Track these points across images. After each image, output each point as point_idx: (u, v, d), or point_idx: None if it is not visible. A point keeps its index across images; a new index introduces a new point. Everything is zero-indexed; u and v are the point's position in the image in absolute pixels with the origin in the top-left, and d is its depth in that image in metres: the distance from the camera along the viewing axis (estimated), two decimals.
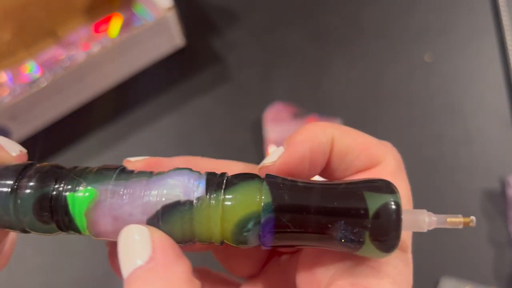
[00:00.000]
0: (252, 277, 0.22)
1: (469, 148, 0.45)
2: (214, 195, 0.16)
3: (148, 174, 0.17)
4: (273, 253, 0.22)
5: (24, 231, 0.17)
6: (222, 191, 0.16)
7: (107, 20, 0.50)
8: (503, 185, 0.43)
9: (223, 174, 0.17)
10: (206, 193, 0.16)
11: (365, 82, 0.49)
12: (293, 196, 0.16)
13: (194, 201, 0.16)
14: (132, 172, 0.17)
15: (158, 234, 0.16)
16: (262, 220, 0.15)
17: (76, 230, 0.16)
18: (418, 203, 0.18)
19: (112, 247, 0.19)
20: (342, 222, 0.15)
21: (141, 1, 0.50)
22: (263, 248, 0.16)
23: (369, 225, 0.15)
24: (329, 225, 0.15)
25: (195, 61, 0.50)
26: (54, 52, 0.49)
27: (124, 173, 0.17)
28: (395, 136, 0.45)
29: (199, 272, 0.23)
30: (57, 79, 0.43)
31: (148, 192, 0.16)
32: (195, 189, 0.16)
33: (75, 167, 0.17)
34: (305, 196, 0.16)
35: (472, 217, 0.16)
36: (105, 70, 0.47)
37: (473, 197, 0.43)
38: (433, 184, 0.43)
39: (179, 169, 0.17)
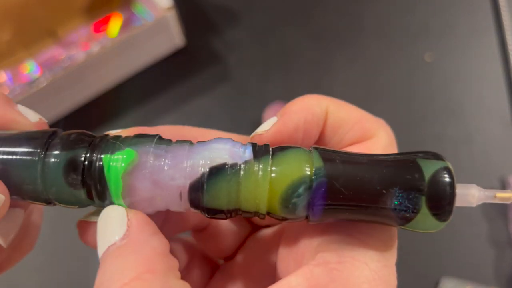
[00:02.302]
0: (229, 258, 0.22)
1: (469, 148, 0.45)
2: (262, 159, 0.15)
3: (189, 142, 0.16)
4: (251, 232, 0.22)
5: (49, 202, 0.16)
6: (270, 156, 0.15)
7: (107, 20, 0.50)
8: (503, 185, 0.43)
9: (267, 144, 0.16)
10: (254, 158, 0.15)
11: (365, 82, 0.49)
12: (345, 161, 0.15)
13: (242, 164, 0.15)
14: (170, 140, 0.16)
15: (134, 212, 0.15)
16: (314, 184, 0.14)
17: (109, 197, 0.15)
18: None
19: (82, 227, 0.19)
20: (397, 188, 0.14)
21: (141, 1, 0.50)
22: (311, 221, 0.15)
23: (426, 189, 0.14)
24: (384, 191, 0.14)
25: (195, 61, 0.50)
26: (53, 52, 0.49)
27: (164, 140, 0.16)
28: (395, 136, 0.45)
29: (184, 244, 0.22)
30: (56, 79, 0.43)
31: (192, 156, 0.15)
32: (241, 154, 0.15)
33: (107, 134, 0.16)
34: (357, 162, 0.15)
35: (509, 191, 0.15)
36: (105, 70, 0.47)
37: None
38: None
39: (222, 138, 0.16)
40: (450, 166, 0.15)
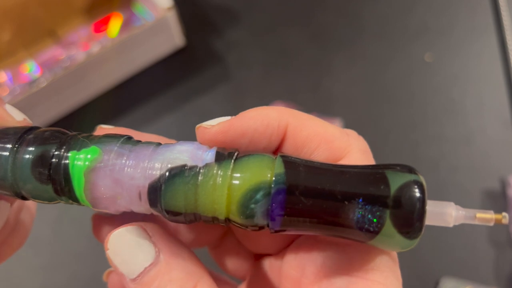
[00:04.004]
0: (243, 278, 0.21)
1: (469, 148, 0.45)
2: (224, 163, 0.15)
3: (156, 144, 0.16)
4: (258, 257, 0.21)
5: (22, 196, 0.16)
6: (232, 160, 0.15)
7: (107, 20, 0.50)
8: (503, 185, 0.43)
9: (235, 150, 0.16)
10: (216, 161, 0.15)
11: (365, 82, 0.49)
12: (308, 169, 0.14)
13: (202, 167, 0.15)
14: (139, 141, 0.16)
15: (151, 227, 0.15)
16: (273, 190, 0.14)
17: (73, 193, 0.15)
18: None
19: (96, 221, 0.19)
20: (360, 200, 0.13)
21: (141, 1, 0.50)
22: (270, 228, 0.15)
23: (391, 203, 0.13)
24: (346, 202, 0.14)
25: (195, 61, 0.50)
26: (53, 52, 0.49)
27: (132, 140, 0.16)
28: (395, 136, 0.45)
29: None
30: (56, 79, 0.43)
31: (154, 156, 0.15)
32: (204, 157, 0.15)
33: (80, 133, 0.16)
34: (321, 171, 0.14)
35: (504, 214, 0.14)
36: (105, 70, 0.47)
37: (473, 197, 0.43)
38: (433, 184, 0.43)
39: (188, 141, 0.16)
40: (422, 180, 0.14)
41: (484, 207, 0.42)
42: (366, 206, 0.13)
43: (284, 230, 0.15)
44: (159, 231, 0.15)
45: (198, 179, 0.14)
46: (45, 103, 0.44)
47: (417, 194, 0.13)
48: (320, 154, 0.16)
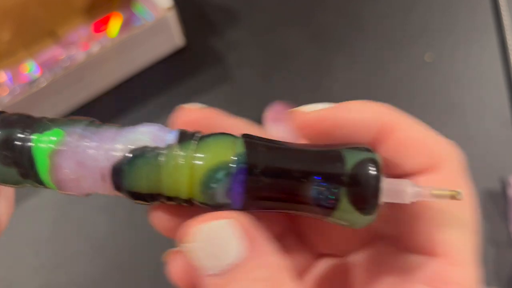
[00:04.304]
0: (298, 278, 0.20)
1: (469, 148, 0.45)
2: (186, 144, 0.15)
3: (120, 126, 0.16)
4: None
5: None
6: (194, 141, 0.15)
7: (107, 20, 0.50)
8: (503, 185, 0.43)
9: (198, 131, 0.16)
10: (177, 142, 0.15)
11: (365, 82, 0.49)
12: (269, 149, 0.15)
13: (164, 148, 0.15)
14: (103, 123, 0.16)
15: (243, 217, 0.14)
16: (234, 170, 0.14)
17: (38, 176, 0.15)
18: None
19: (157, 207, 0.18)
20: (317, 177, 0.14)
21: (141, 0, 0.50)
22: (232, 207, 0.15)
23: (346, 180, 0.14)
24: (304, 180, 0.14)
25: (195, 61, 0.50)
26: (53, 52, 0.49)
27: (96, 123, 0.16)
28: None
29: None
30: (56, 79, 0.43)
31: (117, 138, 0.15)
32: (166, 138, 0.15)
33: (45, 117, 0.16)
34: (281, 150, 0.15)
35: (460, 190, 0.14)
36: (105, 70, 0.47)
37: None
38: None
39: (151, 123, 0.16)
40: (377, 158, 0.14)
41: (484, 207, 0.42)
42: (323, 184, 0.14)
43: (246, 209, 0.15)
44: (252, 225, 0.15)
45: (160, 160, 0.15)
46: (45, 103, 0.44)
47: (372, 171, 0.14)
48: (414, 163, 0.15)
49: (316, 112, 0.15)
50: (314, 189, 0.14)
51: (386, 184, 0.14)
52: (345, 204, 0.14)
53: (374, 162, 0.14)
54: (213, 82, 0.49)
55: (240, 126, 0.17)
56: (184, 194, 0.15)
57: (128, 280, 0.41)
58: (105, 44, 0.44)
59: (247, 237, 0.14)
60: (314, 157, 0.15)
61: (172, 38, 0.49)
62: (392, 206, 0.15)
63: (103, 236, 0.43)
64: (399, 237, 0.16)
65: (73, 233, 0.43)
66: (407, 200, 0.15)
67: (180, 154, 0.15)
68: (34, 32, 0.48)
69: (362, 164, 0.14)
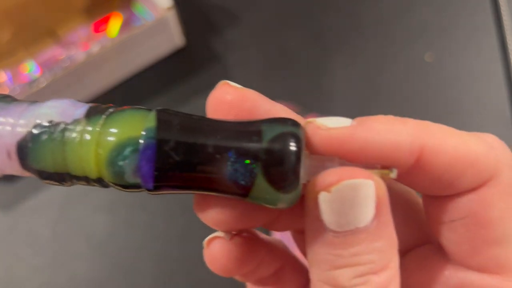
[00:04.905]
0: None
1: None
2: (94, 119, 0.14)
3: (31, 102, 0.15)
4: None
5: None
6: (104, 116, 0.14)
7: (107, 20, 0.50)
8: None
9: (111, 106, 0.14)
10: (85, 117, 0.14)
11: (365, 82, 0.49)
12: (183, 124, 0.14)
13: (70, 124, 0.14)
14: (17, 99, 0.15)
15: (383, 190, 0.13)
16: (141, 146, 0.13)
17: None
18: None
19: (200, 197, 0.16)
20: (232, 153, 0.13)
21: (140, 0, 0.50)
22: (143, 187, 0.14)
23: (262, 155, 0.13)
24: (218, 156, 0.13)
25: (195, 61, 0.50)
26: (53, 52, 0.49)
27: (8, 99, 0.15)
28: None
29: (277, 245, 0.19)
30: (56, 79, 0.43)
31: (25, 113, 0.14)
32: (75, 113, 0.14)
33: None
34: (196, 125, 0.14)
35: (393, 168, 0.14)
36: (105, 70, 0.47)
37: None
38: None
39: (64, 99, 0.15)
40: (298, 132, 0.13)
41: None
42: (239, 159, 0.13)
43: (160, 188, 0.14)
44: (386, 192, 0.13)
45: (65, 135, 0.14)
46: None
47: (289, 146, 0.13)
48: (464, 182, 0.14)
49: (336, 130, 0.14)
50: (229, 166, 0.13)
51: (312, 160, 0.14)
52: (261, 181, 0.13)
53: (294, 136, 0.13)
54: (213, 82, 0.49)
55: (281, 112, 0.15)
56: (92, 174, 0.14)
57: (128, 280, 0.41)
58: (105, 44, 0.44)
59: (379, 203, 0.13)
60: (231, 132, 0.13)
61: (172, 38, 0.49)
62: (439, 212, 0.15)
63: (103, 236, 0.43)
64: (451, 249, 0.16)
65: (73, 233, 0.43)
66: None
67: (86, 129, 0.14)
68: (34, 32, 0.48)
69: (280, 138, 0.13)
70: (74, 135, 0.14)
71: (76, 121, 0.14)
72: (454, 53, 0.50)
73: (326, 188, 0.13)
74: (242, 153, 0.13)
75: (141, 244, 0.42)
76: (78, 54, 0.47)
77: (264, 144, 0.13)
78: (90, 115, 0.14)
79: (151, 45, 0.48)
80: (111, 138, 0.13)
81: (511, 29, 0.50)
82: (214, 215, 0.15)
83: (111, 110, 0.14)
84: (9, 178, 0.45)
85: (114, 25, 0.50)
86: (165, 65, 0.50)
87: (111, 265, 0.41)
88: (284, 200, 0.13)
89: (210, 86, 0.16)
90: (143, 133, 0.13)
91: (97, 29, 0.50)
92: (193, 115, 0.14)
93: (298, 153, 0.13)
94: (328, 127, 0.14)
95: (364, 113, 0.15)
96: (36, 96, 0.42)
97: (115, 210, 0.43)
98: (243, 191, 0.13)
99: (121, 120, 0.14)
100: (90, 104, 0.14)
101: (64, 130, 0.14)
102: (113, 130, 0.13)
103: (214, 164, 0.13)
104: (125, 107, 0.14)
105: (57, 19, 0.49)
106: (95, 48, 0.45)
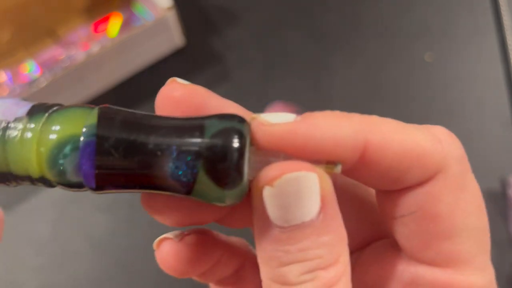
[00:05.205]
0: None
1: (469, 148, 0.45)
2: (36, 117, 0.14)
3: None
4: None
5: None
6: (47, 114, 0.14)
7: (107, 20, 0.50)
8: (503, 185, 0.43)
9: (55, 104, 0.14)
10: (27, 115, 0.14)
11: (365, 82, 0.49)
12: (124, 119, 0.14)
13: (11, 122, 0.14)
14: None
15: (327, 178, 0.13)
16: (81, 143, 0.13)
17: None
18: None
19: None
20: (174, 149, 0.13)
21: (140, 0, 0.50)
22: (86, 186, 0.14)
23: (204, 151, 0.13)
24: (159, 152, 0.13)
25: (195, 61, 0.50)
26: (53, 52, 0.49)
27: None
28: None
29: (239, 244, 0.19)
30: (56, 79, 0.43)
31: None
32: (17, 112, 0.14)
33: None
34: (138, 122, 0.14)
35: (338, 163, 0.13)
36: (105, 70, 0.47)
37: None
38: None
39: (10, 98, 0.15)
40: (241, 128, 0.13)
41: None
42: (180, 156, 0.13)
43: (103, 188, 0.14)
44: (330, 185, 0.13)
45: (6, 134, 0.13)
46: None
47: (231, 142, 0.13)
48: (411, 177, 0.14)
49: (282, 126, 0.13)
50: (170, 163, 0.13)
51: (257, 156, 0.13)
52: (203, 178, 0.13)
53: (237, 132, 0.13)
54: (213, 82, 0.49)
55: (230, 108, 0.15)
56: (35, 173, 0.14)
57: (128, 279, 0.41)
58: (105, 44, 0.44)
59: (324, 196, 0.13)
60: (174, 128, 0.13)
61: (172, 38, 0.49)
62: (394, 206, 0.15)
63: (103, 236, 0.43)
64: (403, 244, 0.16)
65: (73, 233, 0.43)
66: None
67: (27, 127, 0.13)
68: (34, 32, 0.48)
69: (222, 134, 0.13)
70: (15, 133, 0.13)
71: (18, 119, 0.14)
72: (454, 53, 0.50)
73: (269, 183, 0.13)
74: (183, 150, 0.13)
75: (141, 243, 0.42)
76: (78, 54, 0.47)
77: (205, 140, 0.13)
78: (32, 113, 0.14)
79: (151, 45, 0.48)
80: (52, 136, 0.13)
81: (511, 29, 0.50)
82: (161, 211, 0.15)
83: (55, 108, 0.14)
84: None
85: (114, 25, 0.50)
86: (165, 65, 0.50)
87: (112, 264, 0.41)
88: (229, 196, 0.13)
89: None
90: (84, 130, 0.13)
91: (97, 29, 0.50)
92: (137, 112, 0.14)
93: (241, 149, 0.13)
94: (271, 123, 0.13)
95: (364, 113, 0.15)
96: (36, 96, 0.42)
97: (115, 209, 0.43)
98: (186, 189, 0.13)
99: (63, 117, 0.14)
100: (34, 103, 0.14)
101: (6, 128, 0.13)
102: (55, 128, 0.13)
103: (156, 162, 0.13)
104: (71, 105, 0.14)
105: (57, 19, 0.49)
106: (95, 48, 0.45)
